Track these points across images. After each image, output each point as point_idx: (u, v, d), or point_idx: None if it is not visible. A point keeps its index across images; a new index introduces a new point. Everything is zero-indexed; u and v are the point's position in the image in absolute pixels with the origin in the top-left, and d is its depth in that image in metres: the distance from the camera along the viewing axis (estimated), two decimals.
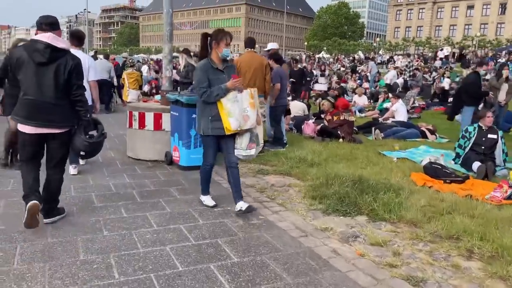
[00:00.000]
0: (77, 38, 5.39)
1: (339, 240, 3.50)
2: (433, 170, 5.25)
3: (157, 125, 6.07)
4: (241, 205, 3.96)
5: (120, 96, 14.59)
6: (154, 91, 16.71)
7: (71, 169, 5.37)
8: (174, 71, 8.46)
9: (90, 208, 4.07)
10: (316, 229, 3.69)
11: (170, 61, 6.47)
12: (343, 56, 46.31)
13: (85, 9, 53.00)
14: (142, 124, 6.10)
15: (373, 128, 8.58)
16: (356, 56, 43.38)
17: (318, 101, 11.78)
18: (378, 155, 6.71)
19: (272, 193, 4.76)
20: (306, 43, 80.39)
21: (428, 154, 6.93)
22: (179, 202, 4.35)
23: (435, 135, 8.81)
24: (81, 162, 5.75)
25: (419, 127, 9.12)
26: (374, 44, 69.55)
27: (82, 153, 3.72)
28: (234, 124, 3.88)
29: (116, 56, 20.50)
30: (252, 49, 6.63)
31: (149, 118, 6.06)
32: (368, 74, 22.27)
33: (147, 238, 3.40)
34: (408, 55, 25.04)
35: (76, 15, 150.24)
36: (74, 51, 5.30)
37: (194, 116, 5.55)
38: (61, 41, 3.45)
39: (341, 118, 7.94)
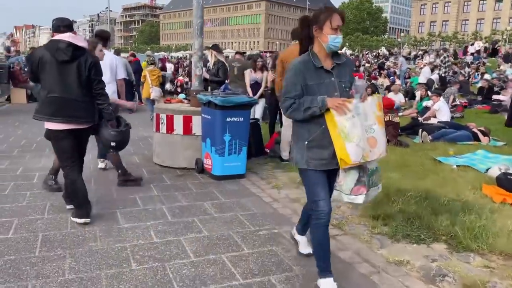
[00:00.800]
0: (102, 38, 5.38)
1: (421, 279, 2.80)
2: (510, 183, 4.47)
3: (187, 129, 5.46)
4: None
5: (139, 95, 14.13)
6: (179, 89, 16.22)
7: (99, 163, 5.60)
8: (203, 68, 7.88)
9: (115, 230, 3.48)
10: (389, 263, 3.00)
11: (201, 57, 5.85)
12: (367, 52, 45.01)
13: (107, 8, 53.26)
14: (170, 128, 5.51)
15: (420, 130, 7.78)
16: (380, 52, 42.16)
17: None
18: (433, 162, 5.94)
19: None
20: None
21: (487, 160, 6.12)
22: (217, 222, 3.72)
23: (489, 137, 7.94)
24: (101, 165, 5.58)
25: (469, 128, 8.26)
26: (399, 40, 67.75)
27: (112, 144, 3.83)
28: (355, 152, 2.41)
29: (138, 54, 20.08)
30: None
31: (178, 121, 5.46)
32: (397, 70, 21.29)
33: (184, 275, 2.77)
34: (445, 50, 23.81)
35: (98, 14, 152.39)
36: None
37: (228, 119, 4.96)
38: (81, 40, 3.61)
39: (386, 118, 7.18)
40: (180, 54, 60.87)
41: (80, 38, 3.61)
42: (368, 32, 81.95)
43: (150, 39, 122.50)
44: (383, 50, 44.98)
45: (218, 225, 3.65)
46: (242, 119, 5.07)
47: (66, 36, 3.47)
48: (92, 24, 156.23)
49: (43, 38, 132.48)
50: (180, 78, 18.46)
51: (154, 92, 11.21)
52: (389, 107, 7.45)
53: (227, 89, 5.74)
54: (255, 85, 7.41)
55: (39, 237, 3.26)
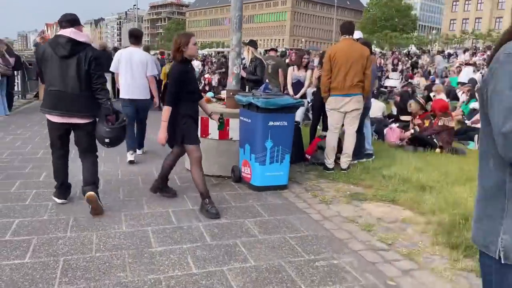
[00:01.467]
0: (134, 37, 5.79)
1: None
2: None
3: (223, 133, 4.94)
4: None
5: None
6: (206, 88, 15.80)
7: (128, 156, 5.74)
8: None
9: (146, 255, 2.98)
10: None
11: (239, 54, 5.31)
12: (395, 50, 43.56)
13: (135, 5, 53.64)
14: (205, 132, 5.00)
15: (476, 136, 7.03)
16: (410, 50, 40.76)
17: (394, 101, 10.24)
18: None
19: (385, 234, 3.47)
20: None
21: None
22: (263, 248, 3.17)
23: None
24: (130, 158, 5.75)
25: None
26: (430, 37, 65.61)
27: (106, 140, 3.78)
28: None
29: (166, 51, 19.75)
30: (350, 36, 5.28)
31: (214, 124, 4.94)
32: (433, 69, 20.23)
33: None
34: (489, 47, 22.53)
35: (126, 12, 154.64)
36: (133, 48, 5.75)
37: (271, 124, 4.40)
38: (81, 35, 3.65)
39: (439, 123, 6.47)
40: (205, 51, 60.78)
41: (81, 33, 3.67)
42: (397, 29, 79.77)
43: None
44: (413, 48, 43.59)
45: (266, 252, 3.10)
46: (286, 123, 4.50)
47: (67, 32, 3.58)
48: (120, 22, 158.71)
49: None
50: (207, 76, 18.05)
51: None
52: (443, 110, 6.72)
53: (267, 89, 5.19)
54: (297, 85, 6.81)
55: (59, 263, 2.79)
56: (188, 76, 3.91)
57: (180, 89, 3.81)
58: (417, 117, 7.26)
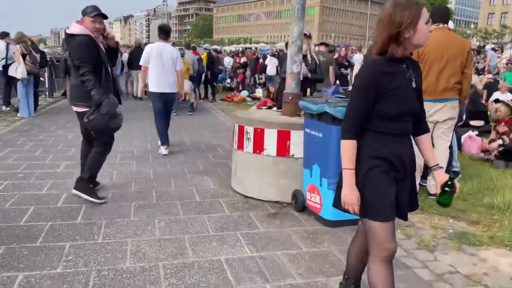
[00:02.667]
0: (164, 32, 5.99)
1: None
2: None
3: (283, 149, 3.92)
4: None
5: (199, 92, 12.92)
6: (240, 86, 14.82)
7: (162, 150, 5.97)
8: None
9: None
10: None
11: (300, 48, 4.27)
12: None
13: (164, 1, 53.34)
14: (259, 146, 3.99)
15: None
16: None
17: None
18: None
19: None
20: None
21: None
22: None
23: None
24: (164, 152, 5.95)
25: None
26: (468, 31, 62.51)
27: (89, 130, 3.90)
28: None
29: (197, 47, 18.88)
30: (445, 25, 4.14)
31: (271, 137, 3.92)
32: (481, 65, 18.55)
33: None
34: None
35: (154, 9, 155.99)
36: (162, 44, 5.92)
37: None
38: (73, 27, 3.76)
39: None
40: (233, 47, 59.91)
41: (74, 25, 3.77)
42: None
43: (204, 33, 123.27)
44: None
45: None
46: None
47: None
48: (149, 19, 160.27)
49: None
50: (240, 73, 17.05)
51: (185, 86, 9.87)
52: None
53: (337, 93, 4.14)
54: None
55: None
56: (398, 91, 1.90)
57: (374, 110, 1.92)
58: (502, 123, 6.03)
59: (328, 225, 3.50)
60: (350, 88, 8.93)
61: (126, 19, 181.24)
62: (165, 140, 5.99)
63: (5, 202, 3.80)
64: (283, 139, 3.90)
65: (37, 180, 4.49)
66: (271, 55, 17.88)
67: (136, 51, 12.43)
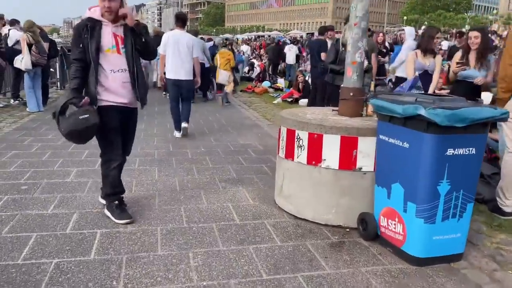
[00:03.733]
0: (181, 20, 6.08)
1: None
2: None
3: (347, 160, 3.09)
4: None
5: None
6: (260, 76, 13.95)
7: (176, 134, 6.28)
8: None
9: None
10: None
11: (364, 32, 3.40)
12: (452, 31, 39.59)
13: None
14: (315, 156, 3.17)
15: None
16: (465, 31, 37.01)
17: None
18: None
19: None
20: (405, 18, 72.35)
21: None
22: None
23: None
24: (177, 135, 6.27)
25: None
26: (490, 17, 60.21)
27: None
28: None
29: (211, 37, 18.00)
30: None
31: (332, 145, 3.09)
32: None
33: None
34: None
35: None
36: (179, 31, 6.03)
37: (450, 153, 2.49)
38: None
39: None
40: (245, 36, 58.79)
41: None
42: (449, 9, 74.07)
43: (215, 21, 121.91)
44: (467, 28, 40.08)
45: None
46: (474, 150, 2.59)
47: None
48: (160, 7, 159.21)
49: None
50: (260, 62, 16.16)
51: (221, 76, 9.57)
52: None
53: (414, 87, 3.27)
54: (423, 77, 4.79)
55: None
56: None
57: None
58: None
59: (415, 263, 2.67)
60: (388, 78, 8.03)
61: (138, 8, 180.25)
62: (177, 127, 6.28)
63: (2, 226, 3.06)
64: (348, 147, 3.06)
65: (43, 194, 3.74)
66: (291, 43, 16.94)
67: (155, 41, 11.64)
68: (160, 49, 5.92)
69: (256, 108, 9.62)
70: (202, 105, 9.76)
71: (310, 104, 7.97)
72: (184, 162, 4.97)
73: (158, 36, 12.43)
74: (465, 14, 70.17)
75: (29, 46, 7.88)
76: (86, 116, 2.91)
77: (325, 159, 3.13)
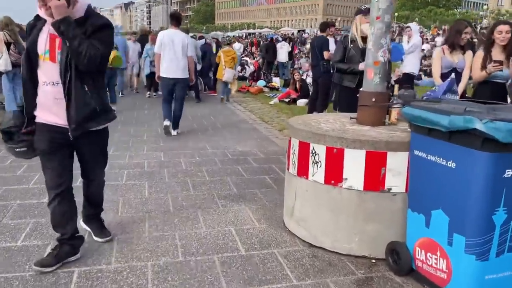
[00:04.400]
0: (175, 19, 6.18)
1: None
2: None
3: (373, 179, 2.59)
4: None
5: (207, 83, 11.54)
6: (255, 75, 13.42)
7: (165, 122, 6.28)
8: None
9: None
10: None
11: (389, 26, 2.91)
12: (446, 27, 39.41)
13: None
14: (335, 175, 2.67)
15: None
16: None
17: None
18: None
19: None
20: (396, 14, 72.23)
21: None
22: None
23: None
24: (166, 123, 6.28)
25: None
26: (481, 13, 60.31)
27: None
28: None
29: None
30: None
31: (355, 161, 2.59)
32: None
33: None
34: None
35: None
36: (174, 30, 6.05)
37: (508, 174, 2.01)
38: None
39: None
40: (236, 33, 58.20)
41: None
42: (440, 5, 74.16)
43: (205, 19, 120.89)
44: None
45: None
46: None
47: None
48: (149, 5, 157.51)
49: None
50: (254, 60, 15.62)
51: (227, 74, 9.70)
52: None
53: (450, 92, 2.76)
54: (448, 76, 4.27)
55: None
56: None
57: None
58: None
59: None
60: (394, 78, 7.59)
61: (127, 6, 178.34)
62: (168, 116, 6.27)
63: None
64: (375, 164, 2.57)
65: (13, 220, 3.20)
66: (283, 40, 16.45)
67: (143, 40, 11.10)
68: (155, 48, 6.15)
69: (252, 110, 9.10)
70: (195, 107, 9.22)
71: (310, 105, 7.49)
72: (178, 175, 4.45)
73: (145, 35, 11.93)
74: (455, 10, 70.29)
75: (7, 45, 7.27)
76: (23, 149, 2.44)
77: (346, 178, 2.64)
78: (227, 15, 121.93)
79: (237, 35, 51.81)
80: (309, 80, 10.94)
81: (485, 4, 79.88)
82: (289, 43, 16.19)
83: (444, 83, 2.82)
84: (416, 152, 2.40)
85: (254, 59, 18.35)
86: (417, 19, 62.60)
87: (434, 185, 2.28)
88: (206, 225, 3.21)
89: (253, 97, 11.15)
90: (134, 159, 5.02)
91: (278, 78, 13.62)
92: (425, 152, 2.33)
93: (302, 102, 9.63)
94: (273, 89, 12.12)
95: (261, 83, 12.47)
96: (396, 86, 3.11)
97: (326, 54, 6.51)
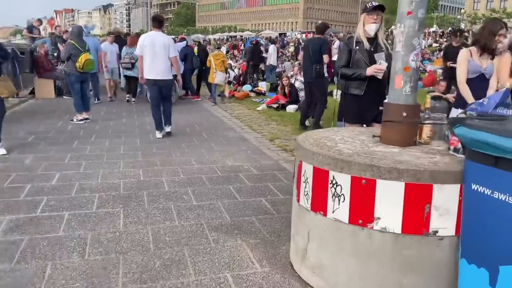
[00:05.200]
0: (157, 21, 6.23)
1: None
2: None
3: (414, 220, 2.01)
4: None
5: (190, 88, 10.97)
6: (241, 79, 12.81)
7: (157, 134, 6.34)
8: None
9: None
10: None
11: (422, 25, 2.35)
12: (432, 30, 39.73)
13: None
14: (362, 213, 2.07)
15: None
16: (432, 30, 37.95)
17: None
18: None
19: None
20: None
21: None
22: None
23: None
24: (158, 136, 6.34)
25: None
26: (458, 16, 61.33)
27: None
28: None
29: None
30: None
31: (390, 196, 2.01)
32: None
33: None
34: None
35: None
36: (155, 32, 6.18)
37: None
38: None
39: None
40: (217, 36, 57.56)
41: None
42: None
43: (186, 22, 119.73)
44: (436, 28, 41.00)
45: None
46: None
47: None
48: (129, 7, 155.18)
49: (81, 22, 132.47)
50: (238, 64, 14.99)
51: (218, 77, 9.83)
52: None
53: (501, 105, 2.23)
54: (477, 82, 3.67)
55: None
56: None
57: None
58: None
59: None
60: None
61: (106, 8, 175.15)
62: (158, 127, 6.30)
63: None
64: (417, 200, 1.99)
65: None
66: (272, 43, 15.93)
67: (117, 42, 10.40)
68: (136, 51, 6.21)
69: (239, 117, 8.49)
70: (178, 113, 8.54)
71: (304, 112, 6.92)
72: (159, 199, 3.80)
73: (120, 36, 11.21)
74: (433, 13, 71.35)
75: None
76: None
77: (379, 218, 2.05)
78: (208, 18, 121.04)
79: (218, 37, 51.15)
80: (297, 84, 10.41)
81: (462, 8, 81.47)
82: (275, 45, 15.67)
83: (496, 94, 2.28)
84: (475, 186, 1.83)
85: (237, 62, 17.76)
86: (394, 23, 63.19)
87: (504, 232, 1.71)
88: (195, 270, 2.57)
89: (239, 103, 10.53)
90: (108, 178, 4.34)
91: (264, 82, 13.05)
92: (489, 187, 1.76)
93: (291, 108, 9.07)
94: (259, 94, 11.53)
95: (247, 87, 11.87)
96: (428, 97, 2.56)
97: (326, 58, 5.96)
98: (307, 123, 7.02)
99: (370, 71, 3.59)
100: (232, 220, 3.36)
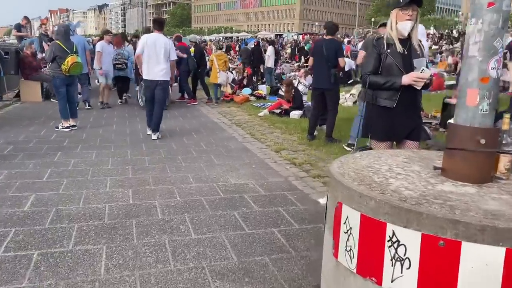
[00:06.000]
0: (158, 23, 6.39)
1: None
2: None
3: None
4: None
5: (187, 89, 10.41)
6: (244, 82, 12.15)
7: (152, 135, 6.31)
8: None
9: None
10: None
11: (507, 21, 1.75)
12: (431, 31, 39.40)
13: None
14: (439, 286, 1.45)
15: None
16: (430, 31, 37.91)
17: None
18: None
19: None
20: (373, 20, 72.58)
21: None
22: None
23: None
24: (149, 132, 6.41)
25: None
26: (456, 19, 61.10)
27: None
28: None
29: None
30: None
31: (480, 268, 1.38)
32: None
33: None
34: None
35: None
36: (157, 34, 6.29)
37: None
38: None
39: None
40: (213, 37, 56.92)
41: None
42: None
43: (182, 22, 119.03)
44: (433, 30, 41.17)
45: None
46: None
47: None
48: (124, 8, 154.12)
49: (75, 22, 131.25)
50: (248, 67, 14.27)
51: (221, 77, 9.97)
52: None
53: None
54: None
55: None
56: None
57: None
58: None
59: None
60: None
61: (101, 8, 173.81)
62: (154, 128, 6.33)
63: None
64: None
65: None
66: (270, 44, 15.31)
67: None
68: (137, 50, 6.30)
69: (239, 123, 7.85)
70: (173, 119, 7.91)
71: (313, 124, 6.30)
72: (151, 230, 3.16)
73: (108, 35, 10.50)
74: (430, 16, 71.21)
75: None
76: None
77: None
78: (204, 18, 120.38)
79: (214, 38, 50.48)
80: (301, 87, 9.79)
81: (458, 11, 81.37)
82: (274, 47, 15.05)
83: None
84: None
85: (234, 63, 17.14)
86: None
87: None
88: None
89: (239, 107, 9.89)
90: (91, 201, 3.69)
91: (265, 85, 12.42)
92: None
93: (295, 114, 8.45)
94: (260, 97, 10.90)
95: (246, 91, 11.23)
96: (507, 117, 1.95)
97: (342, 62, 5.35)
98: (315, 132, 6.40)
99: (408, 79, 2.97)
100: (240, 262, 2.73)
